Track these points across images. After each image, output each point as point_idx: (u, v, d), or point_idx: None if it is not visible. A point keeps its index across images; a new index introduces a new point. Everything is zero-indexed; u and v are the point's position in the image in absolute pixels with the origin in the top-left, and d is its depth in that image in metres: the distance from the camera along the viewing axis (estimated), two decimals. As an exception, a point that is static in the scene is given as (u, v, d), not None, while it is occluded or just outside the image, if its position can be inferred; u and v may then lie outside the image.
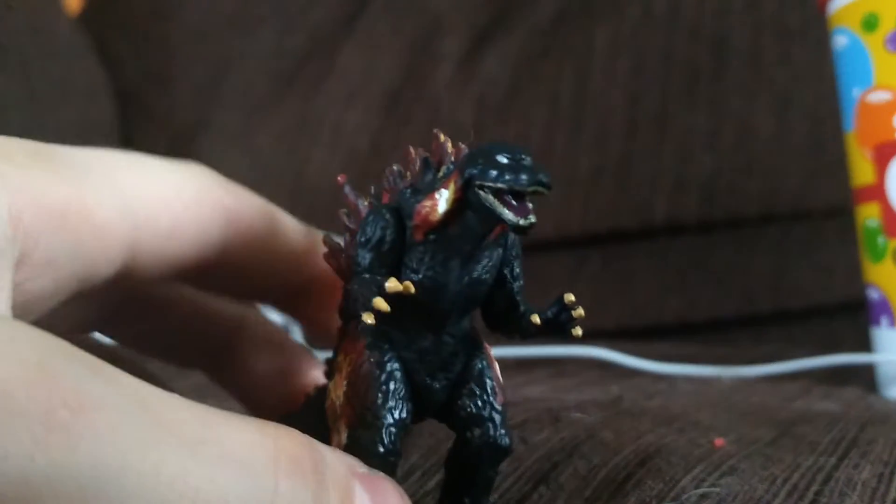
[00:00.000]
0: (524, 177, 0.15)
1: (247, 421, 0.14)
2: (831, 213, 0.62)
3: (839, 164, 0.60)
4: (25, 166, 0.16)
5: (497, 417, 0.18)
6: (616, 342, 0.55)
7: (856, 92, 0.37)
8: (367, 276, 0.17)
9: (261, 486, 0.13)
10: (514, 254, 0.18)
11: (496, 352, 0.43)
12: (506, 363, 0.46)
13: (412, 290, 0.16)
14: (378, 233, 0.17)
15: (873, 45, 0.36)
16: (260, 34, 0.80)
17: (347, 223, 0.19)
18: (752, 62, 0.64)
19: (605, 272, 0.68)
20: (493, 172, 0.15)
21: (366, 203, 0.19)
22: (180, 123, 0.78)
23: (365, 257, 0.17)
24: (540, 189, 0.15)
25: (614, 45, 0.69)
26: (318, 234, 0.22)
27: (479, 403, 0.18)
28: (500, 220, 0.15)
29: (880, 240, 0.36)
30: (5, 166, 0.16)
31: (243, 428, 0.14)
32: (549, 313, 0.18)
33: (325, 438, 0.17)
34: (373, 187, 0.19)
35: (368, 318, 0.16)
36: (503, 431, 0.18)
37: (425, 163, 0.18)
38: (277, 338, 0.24)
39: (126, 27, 0.82)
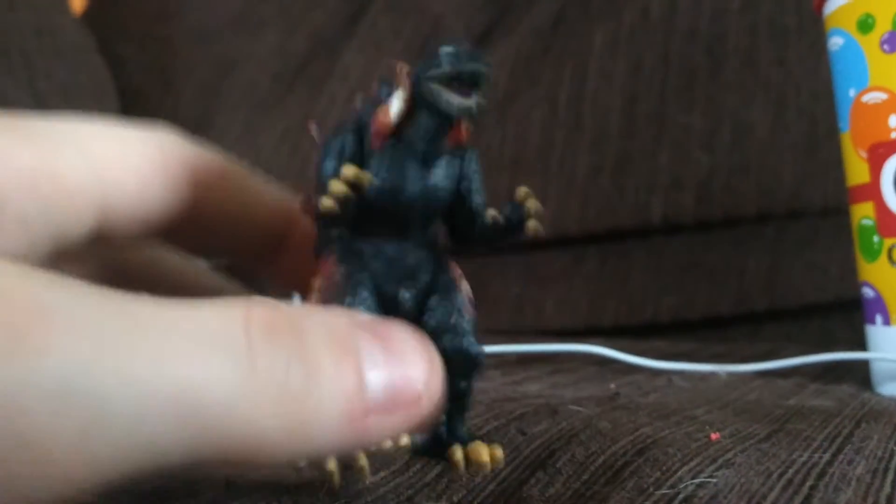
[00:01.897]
0: (466, 62, 0.16)
1: (214, 301, 0.14)
2: (826, 212, 0.62)
3: (834, 164, 0.61)
4: None
5: (465, 325, 0.19)
6: (613, 339, 0.56)
7: (851, 92, 0.37)
8: (329, 177, 0.18)
9: (238, 358, 0.13)
10: (472, 168, 0.19)
11: (493, 349, 0.43)
12: (504, 360, 0.47)
13: (367, 178, 0.17)
14: (338, 143, 0.18)
15: (869, 46, 0.36)
16: (263, 35, 0.80)
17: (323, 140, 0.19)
18: (749, 63, 0.65)
19: (603, 270, 0.68)
20: (437, 62, 0.16)
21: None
22: (184, 123, 0.77)
23: (328, 166, 0.18)
24: (479, 69, 0.16)
25: (612, 47, 0.69)
26: (294, 196, 0.22)
27: (447, 312, 0.18)
28: (446, 107, 0.16)
29: (875, 239, 0.37)
30: None
31: (211, 307, 0.14)
32: (504, 212, 0.19)
33: None
34: (338, 120, 0.19)
35: (326, 202, 0.16)
36: (472, 339, 0.19)
37: (381, 79, 0.18)
38: None
39: (130, 27, 0.83)
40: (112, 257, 0.22)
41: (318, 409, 0.14)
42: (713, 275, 0.64)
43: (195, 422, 0.13)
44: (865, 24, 0.36)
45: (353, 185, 0.17)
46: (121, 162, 0.19)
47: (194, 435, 0.13)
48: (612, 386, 0.38)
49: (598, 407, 0.30)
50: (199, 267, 0.24)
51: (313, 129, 0.20)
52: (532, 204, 0.19)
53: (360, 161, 0.18)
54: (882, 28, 0.35)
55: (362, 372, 0.14)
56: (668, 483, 0.22)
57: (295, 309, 0.15)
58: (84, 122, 0.19)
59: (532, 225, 0.19)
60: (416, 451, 0.20)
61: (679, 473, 0.22)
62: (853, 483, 0.22)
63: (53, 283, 0.13)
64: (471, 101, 0.16)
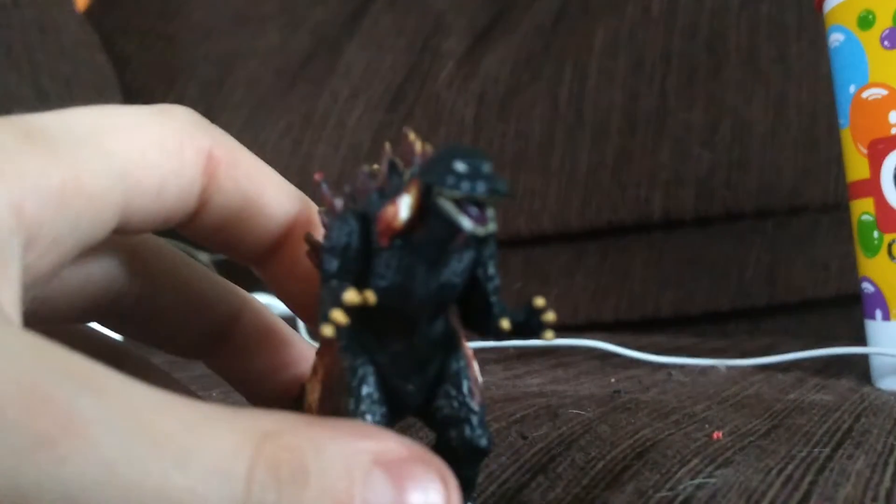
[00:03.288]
0: (481, 185, 0.15)
1: (234, 425, 0.14)
2: (826, 208, 0.62)
3: (834, 160, 0.61)
4: (19, 152, 0.16)
5: (474, 418, 0.18)
6: (614, 334, 0.56)
7: (851, 89, 0.37)
8: (333, 282, 0.17)
9: (236, 494, 0.14)
10: (488, 254, 0.18)
11: (494, 343, 0.43)
12: (505, 353, 0.47)
13: (372, 300, 0.16)
14: (343, 239, 0.17)
15: (869, 42, 0.36)
16: (265, 32, 0.80)
17: (326, 221, 0.19)
18: (749, 60, 0.65)
19: (604, 265, 0.69)
20: (451, 180, 0.15)
21: (341, 201, 0.19)
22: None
23: (331, 263, 0.17)
24: (497, 198, 0.15)
25: (613, 44, 0.69)
26: (312, 204, 0.22)
27: (456, 405, 0.18)
28: (460, 227, 0.15)
29: (875, 234, 0.37)
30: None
31: (228, 434, 0.14)
32: (520, 318, 0.18)
33: None
34: (346, 187, 0.19)
35: (327, 330, 0.16)
36: (480, 432, 0.18)
37: (391, 165, 0.18)
38: (275, 328, 0.24)
39: (133, 24, 0.83)
40: (122, 245, 0.22)
41: None
42: (713, 270, 0.64)
43: None
44: (866, 21, 0.36)
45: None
46: (140, 160, 0.18)
47: None
48: (613, 380, 0.38)
49: (599, 408, 0.30)
50: (199, 262, 0.24)
51: (322, 184, 0.19)
52: (549, 317, 0.18)
53: (365, 254, 0.17)
54: (882, 24, 0.36)
55: None
56: (668, 486, 0.22)
57: (309, 442, 0.15)
58: (102, 116, 0.19)
59: (547, 336, 0.18)
60: None
61: (678, 475, 0.22)
62: (853, 478, 0.22)
63: (89, 385, 0.13)
64: (486, 227, 0.15)
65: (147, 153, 0.18)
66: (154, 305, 0.22)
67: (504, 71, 0.73)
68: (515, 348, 0.48)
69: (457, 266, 0.17)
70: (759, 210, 0.64)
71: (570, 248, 0.71)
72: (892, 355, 0.36)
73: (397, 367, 0.18)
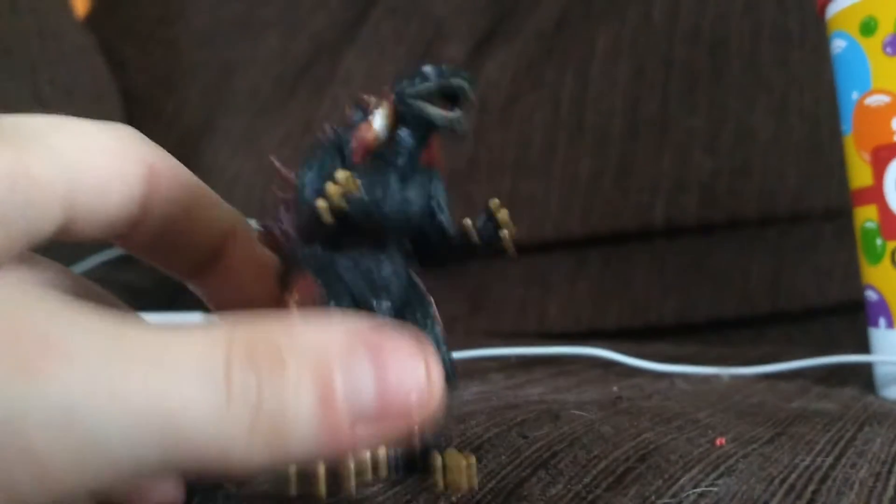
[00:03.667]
0: (448, 76, 0.16)
1: (205, 329, 0.15)
2: (829, 215, 0.62)
3: (837, 166, 0.61)
4: None
5: (440, 336, 0.19)
6: (616, 342, 0.56)
7: (854, 95, 0.37)
8: (314, 187, 0.18)
9: (215, 383, 0.14)
10: (439, 187, 0.19)
11: (495, 351, 0.43)
12: (507, 362, 0.47)
13: (355, 186, 0.17)
14: (318, 159, 0.18)
15: (871, 48, 0.36)
16: (265, 38, 0.81)
17: (281, 195, 0.20)
18: (751, 66, 0.65)
19: (606, 273, 0.68)
20: (419, 80, 0.17)
21: (293, 174, 0.20)
22: (187, 126, 0.78)
23: (311, 179, 0.18)
24: (464, 82, 0.17)
25: (614, 49, 0.69)
26: (247, 222, 0.23)
27: (424, 323, 0.19)
28: (430, 122, 0.17)
29: (878, 242, 0.37)
30: None
31: (198, 333, 0.15)
32: (479, 222, 0.19)
33: None
34: (302, 151, 0.20)
35: (322, 204, 0.17)
36: (446, 349, 0.19)
37: (356, 104, 0.19)
38: (261, 256, 0.25)
39: (133, 31, 0.83)
40: (189, 217, 0.23)
41: (294, 431, 0.14)
42: (716, 277, 0.64)
43: (174, 442, 0.14)
44: (868, 27, 0.36)
45: (344, 193, 0.17)
46: (85, 159, 0.19)
47: (173, 452, 0.14)
48: (615, 389, 0.38)
49: (601, 411, 0.30)
50: (230, 214, 0.24)
51: (275, 162, 0.20)
52: (503, 214, 0.19)
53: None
54: (885, 31, 0.36)
55: (347, 388, 0.15)
56: (670, 492, 0.22)
57: (281, 329, 0.15)
58: (49, 119, 0.20)
59: (505, 235, 0.19)
60: (393, 465, 0.20)
61: (681, 482, 0.22)
62: (856, 487, 0.22)
63: (55, 312, 0.14)
64: (457, 114, 0.17)
65: (91, 153, 0.19)
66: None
67: (505, 77, 0.73)
68: (517, 357, 0.48)
69: (419, 189, 0.18)
70: (761, 217, 0.64)
71: (571, 255, 0.70)
72: (897, 363, 0.35)
73: (367, 286, 0.19)
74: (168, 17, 0.82)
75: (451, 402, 0.19)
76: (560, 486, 0.22)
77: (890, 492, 0.22)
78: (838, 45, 0.38)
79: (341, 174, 0.17)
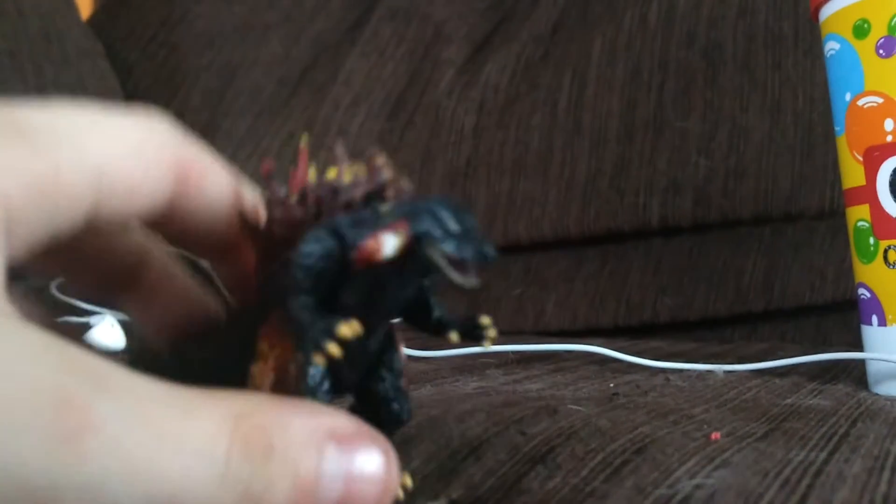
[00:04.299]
0: (469, 250, 0.17)
1: (214, 410, 0.16)
2: (822, 214, 0.63)
3: (829, 167, 0.61)
4: (6, 146, 0.17)
5: (402, 397, 0.21)
6: (613, 339, 0.56)
7: (847, 97, 0.38)
8: (309, 301, 0.18)
9: (217, 466, 0.16)
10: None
11: (494, 348, 0.43)
12: (505, 358, 0.47)
13: (360, 332, 0.17)
14: (321, 263, 0.18)
15: (864, 51, 0.36)
16: (267, 41, 0.81)
17: (277, 214, 0.20)
18: (746, 68, 0.65)
19: (603, 272, 0.69)
20: (444, 238, 0.17)
21: (294, 198, 0.20)
22: (189, 127, 0.78)
23: (306, 279, 0.18)
24: (486, 259, 0.17)
25: (611, 52, 0.69)
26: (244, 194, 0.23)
27: (389, 387, 0.21)
28: (450, 279, 0.17)
29: (871, 241, 0.37)
30: None
31: (210, 418, 0.16)
32: (464, 330, 0.20)
33: (246, 356, 0.20)
34: (306, 191, 0.20)
35: (319, 360, 0.17)
36: (406, 408, 0.21)
37: (367, 194, 0.19)
38: (178, 275, 0.25)
39: (136, 33, 0.83)
40: (99, 241, 0.23)
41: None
42: (711, 276, 0.65)
43: None
44: (861, 30, 0.36)
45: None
46: (113, 156, 0.19)
47: None
48: (612, 385, 0.38)
49: (598, 407, 0.30)
50: (143, 240, 0.25)
51: (270, 175, 0.20)
52: (492, 334, 0.20)
53: (339, 274, 0.18)
54: (877, 33, 0.36)
55: (320, 487, 0.17)
56: (667, 483, 0.22)
57: (277, 421, 0.17)
58: (80, 111, 0.19)
59: (487, 345, 0.20)
60: None
61: (677, 473, 0.23)
62: (849, 481, 0.23)
63: (102, 385, 0.15)
64: (473, 282, 0.17)
65: (120, 155, 0.20)
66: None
67: (503, 79, 0.74)
68: (515, 353, 0.49)
69: (412, 287, 0.19)
70: (756, 217, 0.64)
71: (569, 254, 0.71)
72: (888, 360, 0.36)
73: (349, 363, 0.19)
74: (171, 20, 0.82)
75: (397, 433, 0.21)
76: (558, 480, 0.22)
77: (883, 486, 0.22)
78: (832, 47, 0.38)
79: (345, 330, 0.17)
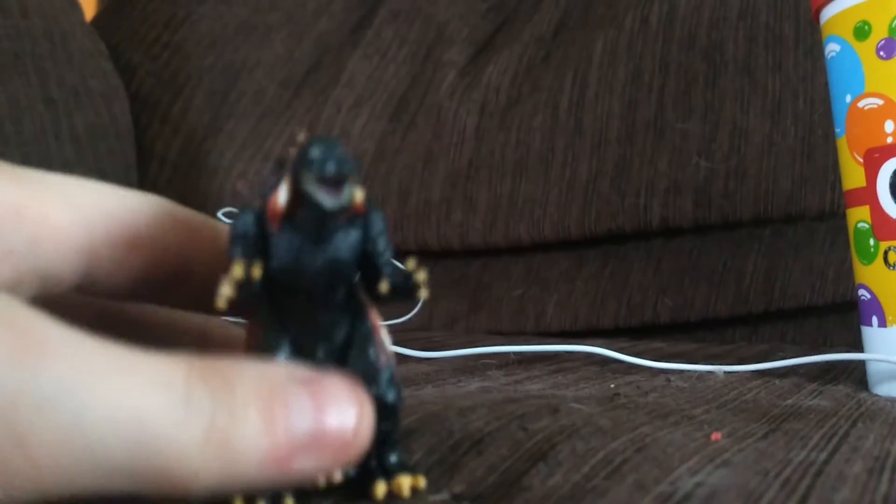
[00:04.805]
0: (331, 166, 0.18)
1: (167, 355, 0.17)
2: (822, 216, 0.63)
3: (830, 168, 0.61)
4: None
5: (381, 376, 0.20)
6: (613, 340, 0.56)
7: (847, 98, 0.38)
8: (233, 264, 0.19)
9: (176, 397, 0.16)
10: (376, 230, 0.20)
11: (495, 349, 0.44)
12: (506, 359, 0.47)
13: (255, 274, 0.19)
14: (241, 228, 0.20)
15: (865, 52, 0.36)
16: (270, 42, 0.81)
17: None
18: (746, 70, 0.65)
19: (603, 272, 0.69)
20: (306, 164, 0.18)
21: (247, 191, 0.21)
22: (192, 128, 0.79)
23: (235, 249, 0.20)
24: (342, 172, 0.18)
25: (612, 54, 0.70)
26: None
27: (363, 365, 0.20)
28: (321, 204, 0.18)
29: (871, 242, 0.37)
30: None
31: (164, 358, 0.17)
32: (398, 282, 0.20)
33: None
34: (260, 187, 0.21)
35: (219, 303, 0.18)
36: (385, 389, 0.20)
37: (277, 162, 0.20)
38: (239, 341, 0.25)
39: (140, 34, 0.83)
40: (105, 306, 0.23)
41: (241, 448, 0.16)
42: (711, 277, 0.65)
43: (139, 447, 0.16)
44: (862, 31, 0.37)
45: (247, 279, 0.19)
46: (108, 213, 0.20)
47: (139, 458, 0.16)
48: (612, 385, 0.38)
49: (599, 406, 0.30)
50: (183, 316, 0.25)
51: (241, 187, 0.21)
52: (421, 276, 0.20)
53: (262, 240, 0.20)
54: (878, 35, 0.36)
55: (288, 417, 0.17)
56: (668, 480, 0.22)
57: (232, 364, 0.17)
58: (76, 179, 0.20)
59: (421, 294, 0.20)
60: (349, 483, 0.21)
61: (678, 472, 0.23)
62: (850, 482, 0.23)
63: (54, 323, 0.16)
64: (341, 199, 0.18)
65: (116, 210, 0.20)
66: (191, 279, 0.23)
67: (505, 81, 0.74)
68: (516, 353, 0.49)
69: (343, 243, 0.20)
70: (756, 218, 0.64)
71: (570, 255, 0.71)
72: (889, 361, 0.36)
73: (306, 337, 0.20)
74: (174, 21, 0.82)
75: (399, 420, 0.21)
76: (559, 477, 0.22)
77: (883, 487, 0.22)
78: (832, 49, 0.38)
79: (236, 270, 0.18)
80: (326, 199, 0.18)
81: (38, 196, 0.19)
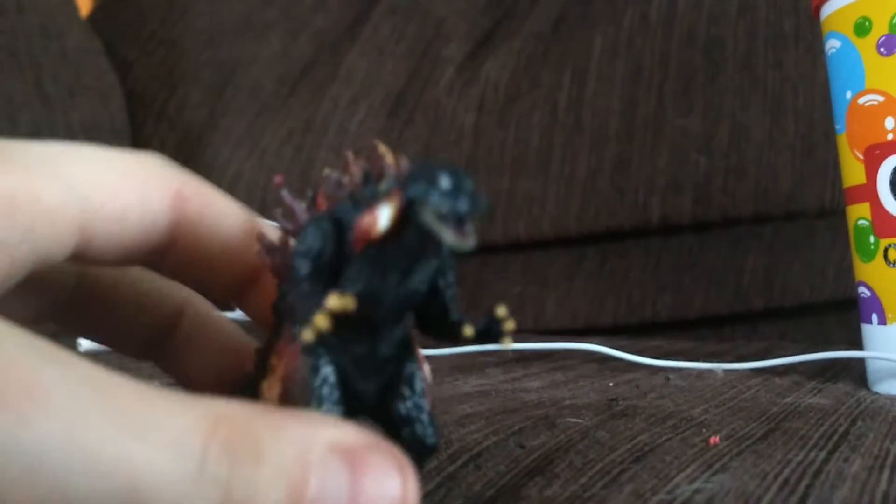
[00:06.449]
0: (464, 203, 0.15)
1: (190, 405, 0.15)
2: (822, 213, 0.63)
3: (830, 165, 0.61)
4: None
5: (425, 417, 0.19)
6: (612, 337, 0.56)
7: (848, 95, 0.37)
8: (305, 285, 0.17)
9: (190, 464, 0.14)
10: (448, 263, 0.18)
11: (493, 347, 0.44)
12: (504, 357, 0.47)
13: (352, 306, 0.16)
14: (317, 244, 0.17)
15: (865, 49, 0.36)
16: (267, 38, 0.81)
17: (283, 223, 0.19)
18: (746, 66, 0.65)
19: (602, 270, 0.69)
20: (436, 195, 0.15)
21: (303, 206, 0.19)
22: (189, 125, 0.78)
23: (303, 267, 0.17)
24: (478, 211, 0.16)
25: (612, 50, 0.69)
26: (260, 224, 0.22)
27: (410, 405, 0.19)
28: (443, 241, 0.16)
29: (871, 239, 0.37)
30: None
31: (184, 412, 0.14)
32: (482, 326, 0.18)
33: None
34: (309, 190, 0.19)
35: (308, 336, 0.16)
36: (431, 430, 0.19)
37: (366, 175, 0.18)
38: (218, 324, 0.24)
39: (136, 30, 0.83)
40: (95, 274, 0.22)
41: None
42: (711, 274, 0.65)
43: None
44: (862, 28, 0.36)
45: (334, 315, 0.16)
46: (100, 184, 0.19)
47: None
48: (611, 384, 0.38)
49: (596, 416, 0.30)
50: (180, 290, 0.24)
51: (283, 189, 0.19)
52: (509, 326, 0.18)
53: (339, 260, 0.18)
54: (879, 31, 0.36)
55: (321, 496, 0.15)
56: (665, 489, 0.22)
57: (265, 423, 0.15)
58: (62, 146, 0.19)
59: (506, 342, 0.19)
60: None
61: (676, 480, 0.23)
62: (849, 481, 0.23)
63: (50, 356, 0.14)
64: (468, 242, 0.16)
65: (106, 179, 0.19)
66: (98, 302, 0.22)
67: (504, 77, 0.74)
68: (515, 352, 0.48)
69: (423, 274, 0.17)
70: (756, 215, 0.64)
71: (568, 252, 0.71)
72: (888, 359, 0.36)
73: (358, 369, 0.18)
74: (170, 17, 0.82)
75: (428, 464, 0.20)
76: (556, 487, 0.22)
77: (883, 486, 0.22)
78: (833, 45, 0.38)
79: (334, 302, 0.16)
80: (451, 238, 0.15)
81: (30, 178, 0.18)
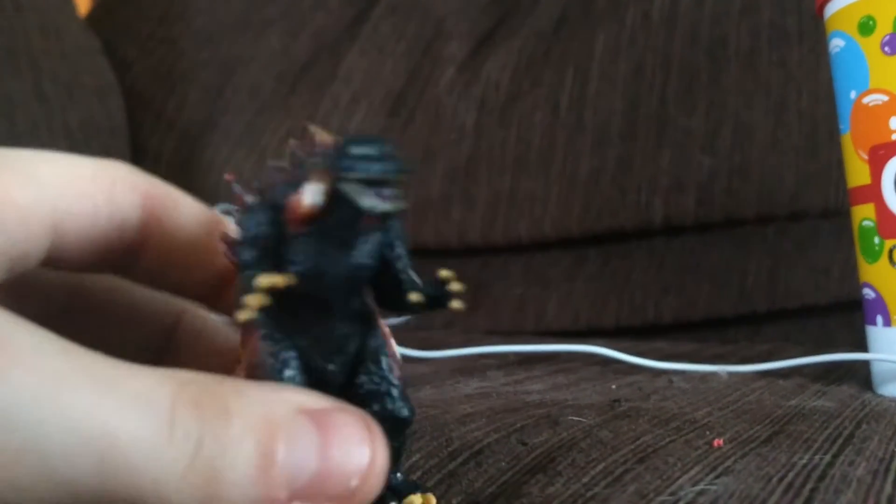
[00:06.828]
0: (376, 166, 0.16)
1: (156, 370, 0.15)
2: (826, 213, 0.62)
3: (834, 165, 0.61)
4: None
5: (394, 391, 0.19)
6: (615, 339, 0.56)
7: (852, 94, 0.37)
8: (248, 272, 0.18)
9: (159, 422, 0.15)
10: (394, 235, 0.19)
11: (495, 349, 0.43)
12: (506, 360, 0.47)
13: (283, 283, 0.17)
14: (253, 229, 0.18)
15: (869, 48, 0.36)
16: (266, 37, 0.81)
17: (237, 217, 0.19)
18: (749, 65, 0.65)
19: (605, 271, 0.69)
20: (348, 163, 0.16)
21: (251, 198, 0.19)
22: (188, 124, 0.79)
23: (245, 254, 0.18)
24: (390, 175, 0.16)
25: (614, 49, 0.69)
26: (224, 223, 0.22)
27: (377, 379, 0.19)
28: (365, 207, 0.16)
29: (875, 240, 0.37)
30: None
31: (150, 374, 0.15)
32: (429, 290, 0.19)
33: None
34: (256, 182, 0.19)
35: (243, 315, 0.17)
36: (401, 403, 0.19)
37: (294, 157, 0.18)
38: (215, 329, 0.25)
39: (134, 29, 0.83)
40: (71, 282, 0.23)
41: (229, 485, 0.15)
42: (714, 276, 0.65)
43: (112, 467, 0.14)
44: (866, 27, 0.36)
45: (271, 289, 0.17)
46: (71, 185, 0.19)
47: (107, 478, 0.14)
48: (614, 387, 0.38)
49: (599, 416, 0.30)
50: (156, 297, 0.24)
51: (234, 185, 0.19)
52: (455, 287, 0.19)
53: (277, 243, 0.18)
54: (883, 30, 0.36)
55: (289, 457, 0.15)
56: (669, 490, 0.22)
57: (232, 387, 0.16)
58: (32, 152, 0.20)
59: (455, 305, 0.19)
60: None
61: (679, 481, 0.23)
62: (854, 484, 0.23)
63: (21, 322, 0.15)
64: (388, 204, 0.16)
65: (78, 181, 0.19)
66: (93, 315, 0.23)
67: (505, 76, 0.73)
68: (516, 354, 0.48)
69: (365, 248, 0.18)
70: (759, 216, 0.64)
71: (570, 253, 0.71)
72: (893, 361, 0.36)
73: (318, 349, 0.18)
74: (169, 16, 0.82)
75: (406, 442, 0.20)
76: (559, 485, 0.22)
77: (888, 489, 0.22)
78: (837, 44, 0.38)
79: (263, 280, 0.17)
80: (368, 202, 0.16)
81: (6, 180, 0.18)
